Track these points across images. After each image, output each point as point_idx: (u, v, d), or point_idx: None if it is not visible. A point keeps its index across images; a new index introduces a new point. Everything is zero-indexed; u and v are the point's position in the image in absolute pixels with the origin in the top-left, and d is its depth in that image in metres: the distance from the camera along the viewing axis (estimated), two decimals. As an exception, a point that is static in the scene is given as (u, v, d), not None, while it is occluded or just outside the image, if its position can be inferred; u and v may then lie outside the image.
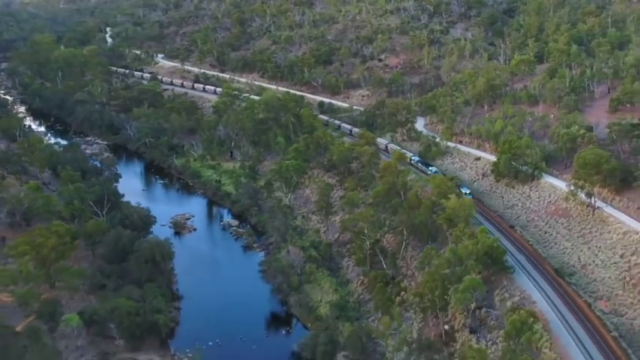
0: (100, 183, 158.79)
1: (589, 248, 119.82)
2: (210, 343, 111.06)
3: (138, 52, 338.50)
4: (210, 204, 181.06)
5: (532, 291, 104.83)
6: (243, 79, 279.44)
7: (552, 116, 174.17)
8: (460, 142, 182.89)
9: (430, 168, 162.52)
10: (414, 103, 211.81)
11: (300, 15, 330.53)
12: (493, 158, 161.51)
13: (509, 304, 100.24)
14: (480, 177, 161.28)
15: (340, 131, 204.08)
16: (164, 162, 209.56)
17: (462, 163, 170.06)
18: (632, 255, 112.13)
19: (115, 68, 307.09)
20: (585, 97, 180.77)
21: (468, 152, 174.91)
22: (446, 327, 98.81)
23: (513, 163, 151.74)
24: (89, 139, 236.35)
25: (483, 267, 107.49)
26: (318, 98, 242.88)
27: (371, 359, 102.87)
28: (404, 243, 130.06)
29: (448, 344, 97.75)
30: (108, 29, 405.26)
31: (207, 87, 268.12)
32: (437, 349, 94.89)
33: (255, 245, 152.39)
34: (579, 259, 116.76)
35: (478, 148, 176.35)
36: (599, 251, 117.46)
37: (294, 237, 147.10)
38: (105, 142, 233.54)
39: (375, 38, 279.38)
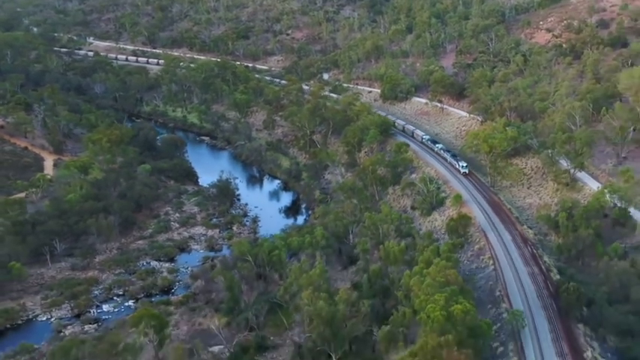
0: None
1: (440, 127, 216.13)
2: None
3: (69, 35, 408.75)
4: (182, 131, 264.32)
5: (410, 142, 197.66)
6: (175, 53, 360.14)
7: (418, 64, 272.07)
8: (357, 84, 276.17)
9: (437, 145, 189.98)
10: (320, 62, 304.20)
11: (214, 1, 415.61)
12: (379, 90, 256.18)
13: (394, 145, 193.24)
14: (373, 101, 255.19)
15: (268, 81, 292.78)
16: (134, 109, 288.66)
17: (360, 95, 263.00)
18: (462, 126, 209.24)
19: (55, 48, 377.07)
20: (440, 52, 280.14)
21: (363, 89, 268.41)
22: (361, 154, 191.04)
23: (393, 90, 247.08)
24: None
25: (379, 131, 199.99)
26: (243, 64, 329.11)
27: (321, 181, 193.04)
28: (329, 132, 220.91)
29: (360, 164, 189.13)
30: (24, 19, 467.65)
31: (150, 60, 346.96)
32: (354, 165, 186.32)
33: (227, 147, 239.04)
34: (435, 132, 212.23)
35: (370, 86, 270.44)
36: (446, 127, 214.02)
37: (254, 139, 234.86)
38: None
39: (281, 18, 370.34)
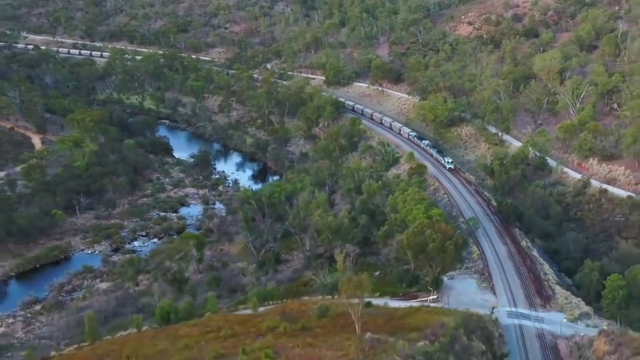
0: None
1: (383, 106, 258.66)
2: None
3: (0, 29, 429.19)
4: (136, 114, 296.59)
5: (359, 117, 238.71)
6: (117, 46, 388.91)
7: (355, 54, 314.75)
8: (300, 72, 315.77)
9: (423, 141, 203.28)
10: (264, 52, 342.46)
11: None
12: (323, 78, 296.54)
13: (349, 121, 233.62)
14: (318, 86, 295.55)
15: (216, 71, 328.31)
16: (88, 98, 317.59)
17: (310, 80, 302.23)
18: (402, 105, 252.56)
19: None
20: (374, 42, 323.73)
21: (307, 76, 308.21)
22: (318, 128, 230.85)
23: (336, 76, 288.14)
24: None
25: (334, 109, 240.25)
26: (186, 55, 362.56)
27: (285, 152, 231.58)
28: (285, 112, 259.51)
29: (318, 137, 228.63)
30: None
31: (94, 52, 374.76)
32: (313, 137, 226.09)
33: (188, 128, 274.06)
34: (379, 111, 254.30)
35: (312, 73, 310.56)
36: (388, 106, 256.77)
37: (214, 121, 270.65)
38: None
39: (218, 13, 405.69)
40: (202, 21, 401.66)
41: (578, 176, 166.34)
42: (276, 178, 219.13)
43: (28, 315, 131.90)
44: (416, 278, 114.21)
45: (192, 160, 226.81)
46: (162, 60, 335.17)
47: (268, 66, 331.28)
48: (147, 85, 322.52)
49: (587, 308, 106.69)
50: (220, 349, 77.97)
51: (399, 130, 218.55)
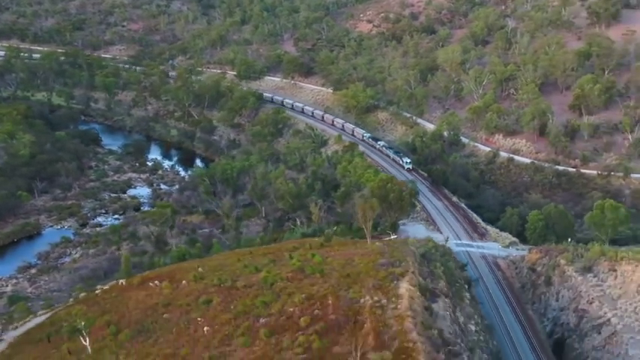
0: None
1: (297, 97, 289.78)
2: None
3: None
4: (50, 112, 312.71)
5: (281, 108, 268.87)
6: (6, 44, 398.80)
7: (261, 50, 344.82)
8: (208, 68, 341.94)
9: (379, 142, 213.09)
10: (170, 49, 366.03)
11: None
12: (233, 73, 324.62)
13: (272, 110, 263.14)
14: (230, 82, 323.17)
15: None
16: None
17: (226, 74, 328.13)
18: (316, 95, 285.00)
19: None
20: (279, 40, 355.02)
21: (217, 71, 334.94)
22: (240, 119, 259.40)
23: (248, 71, 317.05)
24: None
25: (256, 100, 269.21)
26: (87, 53, 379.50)
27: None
28: (205, 104, 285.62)
29: (243, 125, 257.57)
30: None
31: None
32: (238, 126, 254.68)
33: (105, 122, 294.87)
34: (295, 101, 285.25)
35: (221, 69, 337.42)
36: (302, 97, 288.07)
37: (131, 115, 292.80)
38: None
39: (113, 11, 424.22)
40: (98, 19, 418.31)
41: (488, 149, 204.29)
42: (202, 164, 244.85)
43: (28, 276, 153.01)
44: (376, 224, 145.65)
45: (123, 149, 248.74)
46: (63, 58, 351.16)
47: (174, 63, 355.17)
48: (51, 82, 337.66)
49: (514, 239, 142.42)
50: (267, 260, 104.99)
51: (352, 132, 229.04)
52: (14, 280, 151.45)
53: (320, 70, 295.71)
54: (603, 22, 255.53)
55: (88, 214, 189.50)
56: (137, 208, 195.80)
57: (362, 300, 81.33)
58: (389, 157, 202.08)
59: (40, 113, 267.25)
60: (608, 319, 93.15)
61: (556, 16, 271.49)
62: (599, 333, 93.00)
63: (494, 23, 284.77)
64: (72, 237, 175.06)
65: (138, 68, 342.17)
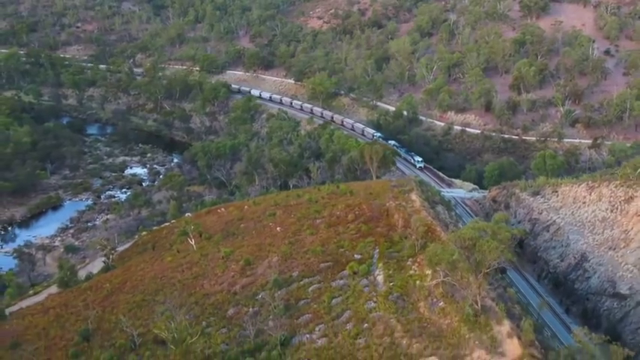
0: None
1: (261, 88, 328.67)
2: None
3: None
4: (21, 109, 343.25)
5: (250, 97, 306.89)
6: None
7: (219, 46, 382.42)
8: (169, 64, 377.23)
9: (389, 142, 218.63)
10: (131, 48, 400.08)
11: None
12: (195, 68, 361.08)
13: (244, 97, 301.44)
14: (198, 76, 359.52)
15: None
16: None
17: (192, 69, 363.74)
18: (279, 86, 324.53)
19: None
20: (235, 36, 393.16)
21: (181, 67, 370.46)
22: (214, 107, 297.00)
23: (211, 65, 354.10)
24: None
25: (227, 90, 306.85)
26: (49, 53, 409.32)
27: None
28: (177, 96, 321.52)
29: (217, 112, 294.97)
30: None
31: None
32: (212, 114, 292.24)
33: (80, 116, 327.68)
34: (259, 91, 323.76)
35: (182, 65, 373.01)
36: (266, 87, 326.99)
37: (105, 108, 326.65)
38: None
39: (66, 13, 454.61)
40: (51, 20, 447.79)
41: (442, 124, 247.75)
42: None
43: (70, 234, 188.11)
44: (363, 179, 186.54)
45: (109, 137, 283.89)
46: (23, 58, 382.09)
47: (135, 60, 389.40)
48: (17, 81, 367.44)
49: (475, 186, 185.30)
50: (301, 192, 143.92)
51: (362, 131, 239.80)
52: (59, 237, 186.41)
53: (281, 64, 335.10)
54: (534, 14, 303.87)
55: (100, 189, 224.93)
56: (140, 184, 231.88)
57: (387, 204, 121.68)
58: (399, 155, 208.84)
59: (22, 107, 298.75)
60: (554, 221, 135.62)
61: (492, 10, 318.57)
62: (548, 231, 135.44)
63: (438, 17, 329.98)
64: (93, 206, 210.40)
65: (101, 66, 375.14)
